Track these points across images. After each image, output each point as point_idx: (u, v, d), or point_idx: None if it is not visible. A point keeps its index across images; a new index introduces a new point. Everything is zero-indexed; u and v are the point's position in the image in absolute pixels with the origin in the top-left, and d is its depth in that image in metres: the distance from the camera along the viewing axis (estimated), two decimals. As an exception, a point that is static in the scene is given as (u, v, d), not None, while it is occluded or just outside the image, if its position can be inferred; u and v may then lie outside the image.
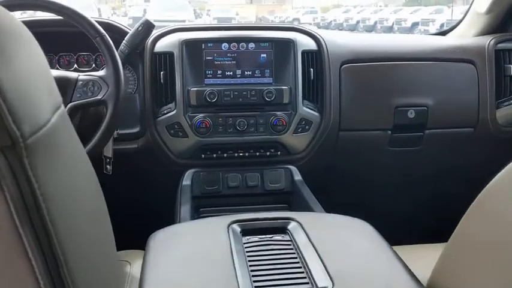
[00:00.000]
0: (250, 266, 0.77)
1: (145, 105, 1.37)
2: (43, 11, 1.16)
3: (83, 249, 0.47)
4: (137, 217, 1.44)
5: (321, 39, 1.43)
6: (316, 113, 1.42)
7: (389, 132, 1.47)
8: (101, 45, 1.14)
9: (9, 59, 0.39)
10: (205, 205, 1.39)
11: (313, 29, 1.46)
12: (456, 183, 1.52)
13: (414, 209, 1.59)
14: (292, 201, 1.41)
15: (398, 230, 1.44)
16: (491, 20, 1.54)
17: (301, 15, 23.44)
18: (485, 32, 1.58)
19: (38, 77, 0.43)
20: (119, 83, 1.14)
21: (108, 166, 1.27)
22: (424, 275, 0.77)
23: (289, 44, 1.40)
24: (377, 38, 1.65)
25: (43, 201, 0.38)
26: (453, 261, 0.72)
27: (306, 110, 1.40)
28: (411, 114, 1.45)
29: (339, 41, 1.47)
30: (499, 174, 0.63)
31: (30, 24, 1.32)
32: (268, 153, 1.41)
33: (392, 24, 16.13)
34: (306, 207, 1.27)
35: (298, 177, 1.41)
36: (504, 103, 1.49)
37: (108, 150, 1.26)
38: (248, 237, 0.87)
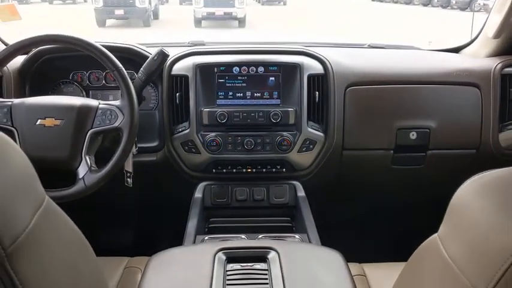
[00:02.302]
0: None
1: (163, 123, 1.51)
2: (64, 46, 1.31)
3: None
4: (154, 225, 1.60)
5: (328, 63, 1.50)
6: (320, 133, 1.51)
7: (392, 152, 1.54)
8: (118, 78, 1.28)
9: None
10: (215, 215, 1.52)
11: (320, 53, 1.54)
12: None
13: (413, 226, 1.66)
14: (294, 215, 1.52)
15: (392, 246, 1.53)
16: (500, 43, 1.56)
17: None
18: (496, 54, 1.59)
19: (15, 188, 0.56)
20: (133, 112, 1.27)
21: (128, 179, 1.42)
22: None
23: (296, 68, 1.49)
24: (384, 58, 1.68)
25: None
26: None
27: (311, 131, 1.50)
28: (413, 135, 1.51)
29: (345, 63, 1.53)
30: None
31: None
32: (274, 170, 1.52)
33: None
34: (302, 224, 1.38)
35: (301, 193, 1.51)
36: (508, 126, 1.52)
37: (129, 166, 1.41)
38: (232, 264, 1.00)
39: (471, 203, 0.61)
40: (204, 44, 1.82)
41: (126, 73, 1.29)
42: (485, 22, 1.60)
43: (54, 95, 1.59)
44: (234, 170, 1.53)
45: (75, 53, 1.41)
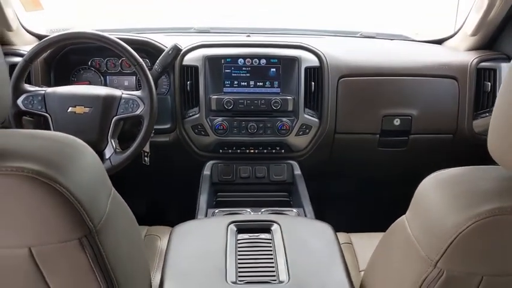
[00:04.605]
0: (238, 259, 1.11)
1: (175, 108, 1.70)
2: (92, 43, 1.47)
3: (131, 279, 0.83)
4: (167, 198, 1.80)
5: (323, 57, 1.68)
6: (315, 119, 1.70)
7: (378, 136, 1.74)
8: (139, 71, 1.45)
9: (73, 174, 0.68)
10: (221, 190, 1.73)
11: (316, 47, 1.71)
12: None
13: (396, 200, 1.88)
14: (291, 190, 1.72)
15: (376, 218, 1.75)
16: (478, 39, 1.74)
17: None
18: (474, 48, 1.78)
19: (96, 181, 0.75)
20: (153, 103, 1.45)
21: (146, 158, 1.62)
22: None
23: (295, 61, 1.67)
24: (374, 51, 1.86)
25: (108, 261, 0.72)
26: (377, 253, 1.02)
27: (307, 117, 1.69)
28: (397, 122, 1.71)
29: (338, 56, 1.71)
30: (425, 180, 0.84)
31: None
32: (274, 151, 1.73)
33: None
34: (299, 199, 1.59)
35: (297, 171, 1.72)
36: (481, 115, 1.72)
37: (146, 146, 1.60)
38: (241, 235, 1.20)
39: (430, 194, 0.80)
40: (209, 32, 1.99)
41: (146, 68, 1.46)
42: (465, 20, 1.78)
43: (74, 80, 1.76)
44: (239, 151, 1.72)
45: (94, 43, 1.55)
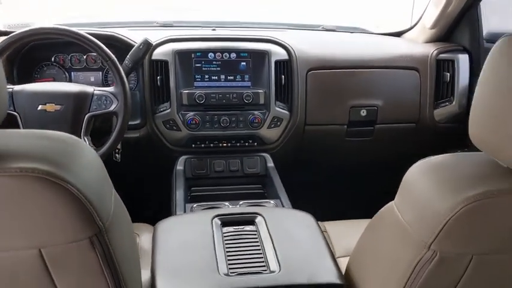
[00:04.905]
0: (227, 251, 1.12)
1: (145, 103, 1.68)
2: (64, 39, 1.43)
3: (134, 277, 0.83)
4: (140, 195, 1.78)
5: (292, 50, 1.71)
6: (286, 112, 1.74)
7: (346, 126, 1.80)
8: (111, 67, 1.43)
9: (80, 173, 0.68)
10: (195, 185, 1.73)
11: (285, 41, 1.74)
12: (402, 168, 1.88)
13: (365, 188, 1.95)
14: (265, 182, 1.75)
15: (349, 205, 1.81)
16: (436, 32, 1.83)
17: None
18: (432, 40, 1.88)
19: (100, 178, 0.74)
20: (127, 98, 1.43)
21: (117, 155, 1.59)
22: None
23: (265, 54, 1.69)
24: (338, 44, 1.91)
25: (114, 255, 0.72)
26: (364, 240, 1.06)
27: (278, 110, 1.72)
28: (363, 112, 1.77)
29: (306, 49, 1.75)
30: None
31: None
32: (246, 144, 1.74)
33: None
34: (274, 191, 1.62)
35: (270, 163, 1.75)
36: (441, 104, 1.82)
37: None
38: (227, 227, 1.22)
39: (419, 180, 0.84)
40: (172, 25, 1.98)
41: (118, 63, 1.44)
42: (423, 13, 1.87)
43: (38, 77, 1.70)
44: (212, 145, 1.73)
45: (62, 39, 1.50)
